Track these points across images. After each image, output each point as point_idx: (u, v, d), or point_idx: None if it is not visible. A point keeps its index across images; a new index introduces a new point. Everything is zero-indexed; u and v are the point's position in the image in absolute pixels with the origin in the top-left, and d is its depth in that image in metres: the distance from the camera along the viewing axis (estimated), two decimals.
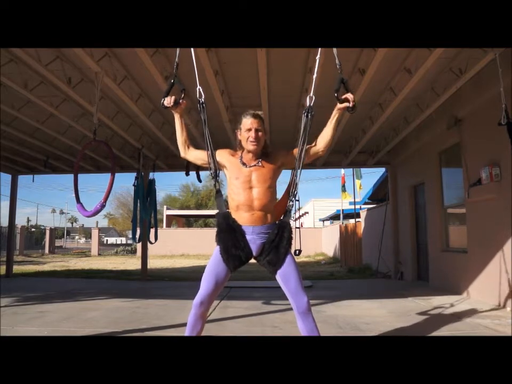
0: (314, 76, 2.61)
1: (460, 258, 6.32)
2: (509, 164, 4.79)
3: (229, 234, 2.39)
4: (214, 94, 5.21)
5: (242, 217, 2.39)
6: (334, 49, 2.53)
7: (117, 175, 5.37)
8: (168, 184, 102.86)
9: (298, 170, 2.50)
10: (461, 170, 6.15)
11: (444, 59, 4.73)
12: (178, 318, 4.71)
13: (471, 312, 4.84)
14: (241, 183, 2.39)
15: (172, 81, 2.58)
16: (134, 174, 7.72)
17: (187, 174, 8.47)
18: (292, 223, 2.56)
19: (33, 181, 11.66)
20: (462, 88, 5.14)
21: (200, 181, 9.02)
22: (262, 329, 4.11)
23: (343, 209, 18.16)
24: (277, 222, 2.46)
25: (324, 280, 9.50)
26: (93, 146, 4.99)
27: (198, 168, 8.56)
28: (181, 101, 2.55)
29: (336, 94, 2.49)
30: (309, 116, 2.50)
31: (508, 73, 4.13)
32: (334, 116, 2.56)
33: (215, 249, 2.44)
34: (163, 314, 4.99)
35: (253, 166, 2.44)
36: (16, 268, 11.36)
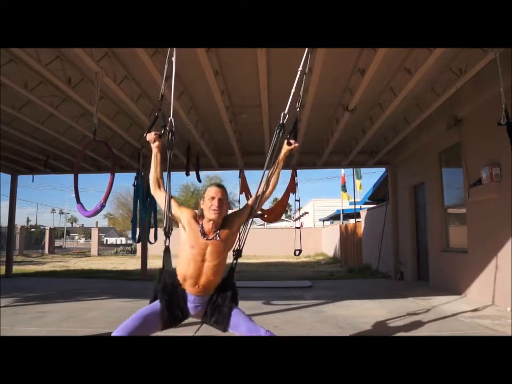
0: (293, 91, 2.63)
1: (460, 258, 6.32)
2: (509, 164, 4.79)
3: (173, 295, 2.38)
4: (214, 94, 5.21)
5: (185, 285, 2.38)
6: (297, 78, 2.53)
7: (117, 175, 5.38)
8: None
9: (246, 233, 2.53)
10: (461, 170, 6.15)
11: (444, 59, 4.73)
12: None
13: (471, 312, 4.84)
14: (195, 254, 2.35)
15: (156, 115, 2.62)
16: (134, 174, 7.71)
17: (187, 174, 8.47)
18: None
19: (33, 181, 11.65)
20: (462, 88, 5.14)
21: (200, 181, 9.01)
22: None
23: (343, 209, 18.16)
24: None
25: (324, 280, 9.51)
26: (93, 146, 5.00)
27: (198, 168, 8.57)
28: (158, 138, 2.57)
29: (288, 136, 2.53)
30: (281, 134, 2.52)
31: (508, 73, 4.13)
32: (282, 159, 2.56)
33: (153, 304, 2.42)
34: None
35: (211, 239, 2.38)
36: (16, 268, 11.36)
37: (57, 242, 36.21)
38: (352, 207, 15.61)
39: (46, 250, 24.46)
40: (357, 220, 14.29)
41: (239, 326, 2.36)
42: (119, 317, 4.79)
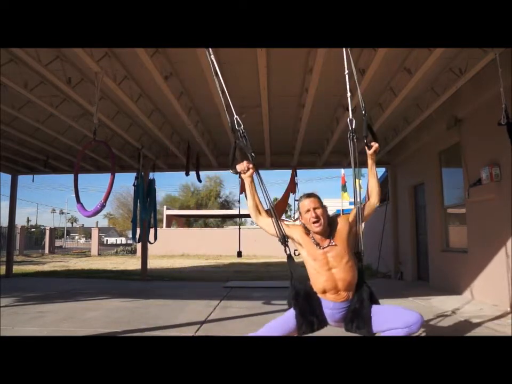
0: (349, 95, 2.63)
1: (460, 258, 6.32)
2: (509, 164, 4.79)
3: (307, 300, 2.37)
4: (214, 94, 5.21)
5: (326, 296, 2.36)
6: (357, 85, 2.51)
7: (117, 175, 5.38)
8: (168, 184, 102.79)
9: (361, 235, 2.47)
10: (461, 170, 6.15)
11: (444, 59, 4.73)
12: (178, 318, 4.72)
13: (471, 312, 4.84)
14: (320, 266, 2.35)
15: (235, 144, 2.50)
16: (134, 174, 7.72)
17: (187, 174, 8.47)
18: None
19: (33, 181, 11.64)
20: (462, 88, 5.14)
21: (200, 181, 9.02)
22: None
23: (343, 209, 18.13)
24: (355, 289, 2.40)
25: None
26: (93, 146, 4.99)
27: (198, 168, 8.57)
28: (251, 165, 2.47)
29: (365, 140, 2.52)
30: (355, 140, 2.50)
31: (508, 73, 4.13)
32: (371, 166, 2.59)
33: (288, 311, 2.41)
34: (163, 314, 4.99)
35: (326, 246, 2.37)
36: (16, 268, 11.36)
37: (58, 242, 36.23)
38: (352, 207, 15.57)
39: (46, 250, 24.46)
40: None
41: (384, 322, 2.29)
42: (119, 317, 4.79)
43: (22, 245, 21.92)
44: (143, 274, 9.65)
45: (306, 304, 2.36)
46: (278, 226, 2.41)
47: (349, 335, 2.34)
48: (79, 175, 4.78)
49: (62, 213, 61.08)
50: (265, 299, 6.13)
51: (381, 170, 12.24)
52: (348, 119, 2.55)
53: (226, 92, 2.51)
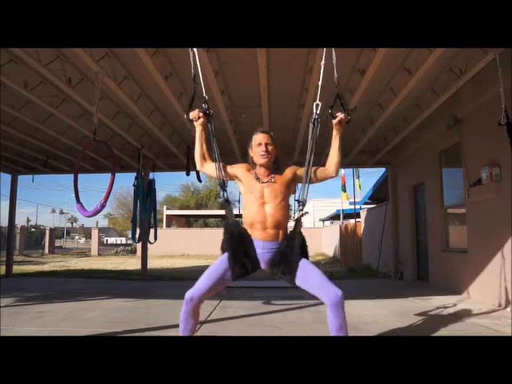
0: (320, 83, 2.66)
1: (460, 258, 6.32)
2: (509, 164, 4.79)
3: (239, 242, 2.41)
4: (214, 94, 5.21)
5: (254, 233, 2.43)
6: (334, 59, 2.57)
7: (117, 175, 5.37)
8: (168, 184, 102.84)
9: (306, 186, 2.54)
10: (461, 170, 6.15)
11: (444, 59, 4.73)
12: (178, 318, 4.71)
13: (471, 312, 4.84)
14: (255, 198, 2.45)
15: (193, 92, 2.63)
16: (134, 174, 7.72)
17: (187, 174, 8.47)
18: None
19: (33, 181, 11.65)
20: (462, 88, 5.14)
21: (200, 181, 9.02)
22: (262, 329, 4.11)
23: (343, 209, 18.15)
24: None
25: None
26: (93, 146, 4.99)
27: None
28: (201, 114, 2.61)
29: (330, 111, 2.57)
30: (316, 124, 2.62)
31: (508, 73, 4.13)
32: (335, 136, 2.65)
33: (221, 256, 2.46)
34: (163, 314, 4.98)
35: (266, 182, 2.49)
36: (16, 268, 11.35)
37: (58, 242, 36.22)
38: (352, 207, 15.61)
39: (46, 250, 24.45)
40: (357, 219, 14.29)
41: (307, 281, 2.36)
42: (119, 317, 4.79)
43: (22, 245, 21.91)
44: (143, 274, 9.64)
45: (240, 245, 2.41)
46: (219, 169, 2.54)
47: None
48: (79, 175, 4.79)
49: (62, 213, 61.11)
50: (265, 299, 6.12)
51: (381, 170, 12.27)
52: (315, 104, 2.66)
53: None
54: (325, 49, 2.67)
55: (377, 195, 13.13)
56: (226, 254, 2.42)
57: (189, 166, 8.27)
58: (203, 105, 2.60)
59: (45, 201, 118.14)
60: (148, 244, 8.61)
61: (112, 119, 6.40)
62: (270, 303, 5.86)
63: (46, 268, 13.41)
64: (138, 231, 8.06)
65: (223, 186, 2.57)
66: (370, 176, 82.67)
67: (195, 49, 2.62)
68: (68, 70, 4.93)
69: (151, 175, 8.59)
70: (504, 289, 4.98)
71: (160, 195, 42.63)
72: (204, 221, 37.64)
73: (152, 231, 7.95)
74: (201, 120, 2.62)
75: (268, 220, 2.40)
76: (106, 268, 13.15)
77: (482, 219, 5.59)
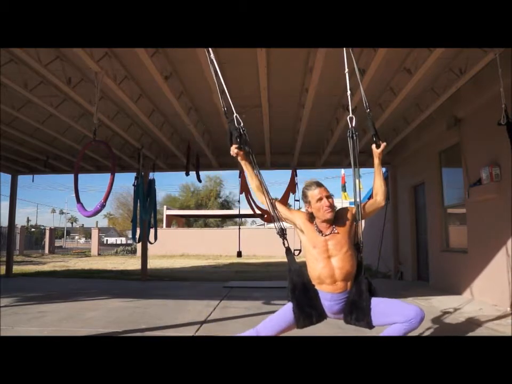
0: (349, 92, 2.60)
1: (460, 258, 6.32)
2: (509, 164, 4.79)
3: (304, 293, 2.36)
4: (214, 94, 5.21)
5: (323, 287, 2.36)
6: (358, 77, 2.56)
7: (117, 175, 5.37)
8: (168, 184, 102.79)
9: (360, 225, 2.49)
10: (461, 170, 6.15)
11: (444, 59, 4.73)
12: (178, 318, 4.72)
13: (471, 312, 4.84)
14: (319, 253, 2.35)
15: (230, 131, 2.61)
16: (134, 174, 7.72)
17: (187, 174, 8.47)
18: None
19: (33, 181, 11.64)
20: (462, 88, 5.14)
21: (200, 181, 9.02)
22: None
23: None
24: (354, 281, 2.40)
25: None
26: (93, 146, 4.99)
27: (198, 168, 8.57)
28: (236, 150, 2.54)
29: (374, 139, 2.56)
30: (355, 138, 2.53)
31: (508, 73, 4.13)
32: (377, 165, 2.60)
33: (286, 305, 2.42)
34: (163, 314, 4.99)
35: (328, 234, 2.39)
36: (16, 268, 11.36)
37: (57, 242, 36.22)
38: (353, 206, 15.56)
39: (46, 250, 24.45)
40: None
41: (383, 315, 2.30)
42: (119, 316, 4.79)
43: (22, 245, 21.91)
44: (143, 274, 9.65)
45: (304, 296, 2.35)
46: (277, 218, 2.43)
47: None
48: (79, 175, 4.78)
49: (62, 213, 61.16)
50: (265, 299, 6.13)
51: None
52: (348, 117, 2.56)
53: (226, 91, 2.51)
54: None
55: None
56: (290, 304, 2.38)
57: (188, 166, 8.27)
58: (237, 138, 2.53)
59: (45, 201, 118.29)
60: (148, 244, 8.61)
61: (112, 119, 6.40)
62: (270, 303, 5.86)
63: (46, 268, 13.41)
64: (138, 231, 8.05)
65: (282, 235, 2.44)
66: (371, 176, 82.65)
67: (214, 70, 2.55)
68: (68, 70, 4.93)
69: (151, 175, 8.58)
70: (504, 289, 4.98)
71: (160, 195, 42.64)
72: (204, 221, 37.64)
73: (152, 231, 7.95)
74: (241, 154, 2.52)
75: (337, 273, 2.32)
76: (106, 268, 13.15)
77: (482, 219, 5.59)
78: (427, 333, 3.77)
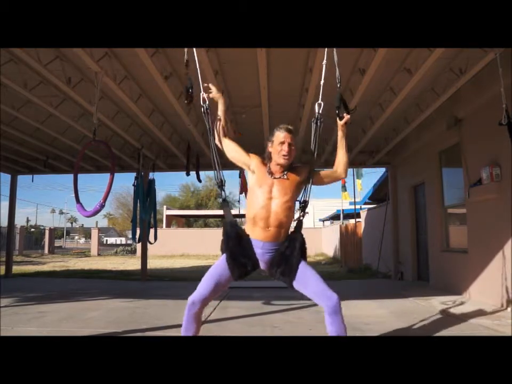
0: (322, 82, 2.66)
1: (460, 258, 6.32)
2: (509, 164, 4.79)
3: (237, 242, 2.38)
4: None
5: (255, 231, 2.39)
6: (335, 59, 2.59)
7: (117, 175, 5.38)
8: (168, 184, 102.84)
9: (309, 187, 2.54)
10: (461, 170, 6.14)
11: (444, 59, 4.73)
12: (178, 318, 4.69)
13: (471, 313, 4.84)
14: (262, 193, 2.40)
15: (190, 84, 2.77)
16: (134, 174, 7.72)
17: (187, 174, 8.47)
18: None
19: (32, 181, 11.63)
20: (462, 88, 5.14)
21: (200, 181, 9.02)
22: (262, 329, 4.11)
23: (343, 209, 18.15)
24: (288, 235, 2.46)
25: None
26: (92, 146, 4.99)
27: (198, 168, 8.56)
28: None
29: (337, 111, 2.61)
30: (319, 123, 2.60)
31: (508, 73, 4.13)
32: (341, 137, 2.63)
33: (221, 256, 2.44)
34: (163, 314, 4.99)
35: (278, 177, 2.44)
36: (16, 268, 11.36)
37: (57, 243, 36.22)
38: (352, 207, 15.60)
39: (46, 250, 24.45)
40: (357, 220, 14.29)
41: (306, 286, 2.33)
42: (119, 316, 4.79)
43: (21, 245, 21.92)
44: (143, 274, 9.64)
45: (237, 246, 2.38)
46: (218, 165, 2.52)
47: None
48: (79, 175, 4.78)
49: (61, 213, 61.16)
50: (265, 299, 6.12)
51: (381, 170, 12.27)
52: (317, 103, 2.65)
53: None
54: (326, 49, 2.67)
55: (377, 195, 13.12)
56: (225, 255, 2.40)
57: (188, 166, 8.27)
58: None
59: (44, 201, 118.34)
60: (148, 244, 8.61)
61: (112, 119, 6.40)
62: (270, 303, 5.86)
63: (45, 268, 13.41)
64: (138, 231, 8.05)
65: (221, 186, 2.54)
66: (370, 177, 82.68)
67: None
68: (68, 70, 4.93)
69: (151, 175, 8.59)
70: (504, 289, 4.98)
71: (160, 195, 42.67)
72: (204, 221, 37.63)
73: (152, 231, 7.95)
74: (212, 94, 2.65)
75: (272, 217, 2.36)
76: (106, 268, 13.15)
77: (482, 219, 5.59)
78: (427, 333, 3.77)
